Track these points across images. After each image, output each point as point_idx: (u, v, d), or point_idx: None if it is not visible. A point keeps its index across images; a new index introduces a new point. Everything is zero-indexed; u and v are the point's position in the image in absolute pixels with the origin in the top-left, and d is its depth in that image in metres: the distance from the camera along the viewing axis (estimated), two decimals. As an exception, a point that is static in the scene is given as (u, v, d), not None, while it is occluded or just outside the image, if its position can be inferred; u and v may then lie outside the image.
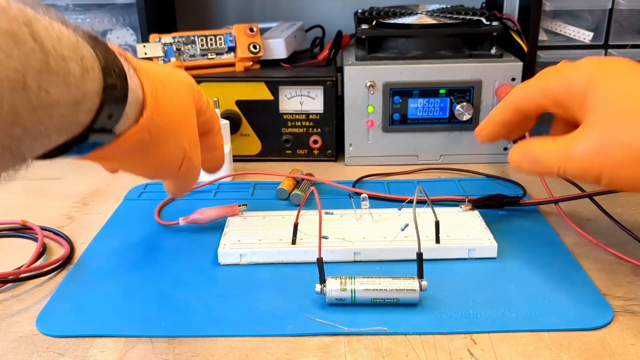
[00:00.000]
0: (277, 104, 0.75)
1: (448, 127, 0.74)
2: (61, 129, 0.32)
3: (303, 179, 0.66)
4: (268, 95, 0.74)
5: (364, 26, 0.75)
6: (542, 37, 0.75)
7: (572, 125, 0.49)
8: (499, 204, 0.60)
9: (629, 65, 0.47)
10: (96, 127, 0.35)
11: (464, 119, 0.72)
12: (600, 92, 0.46)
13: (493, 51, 0.74)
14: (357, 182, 0.69)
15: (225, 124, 0.70)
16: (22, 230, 0.59)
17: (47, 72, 0.29)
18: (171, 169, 0.46)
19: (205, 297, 0.48)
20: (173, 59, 0.74)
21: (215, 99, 0.73)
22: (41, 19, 0.30)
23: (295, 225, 0.53)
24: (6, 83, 0.27)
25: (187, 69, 0.75)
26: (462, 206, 0.59)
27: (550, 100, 0.50)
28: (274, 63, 0.80)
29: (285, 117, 0.75)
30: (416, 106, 0.73)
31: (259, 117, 0.75)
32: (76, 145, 0.35)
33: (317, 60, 0.81)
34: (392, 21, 0.76)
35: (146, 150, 0.42)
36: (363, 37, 0.74)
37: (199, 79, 0.74)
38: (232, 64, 0.77)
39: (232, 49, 0.77)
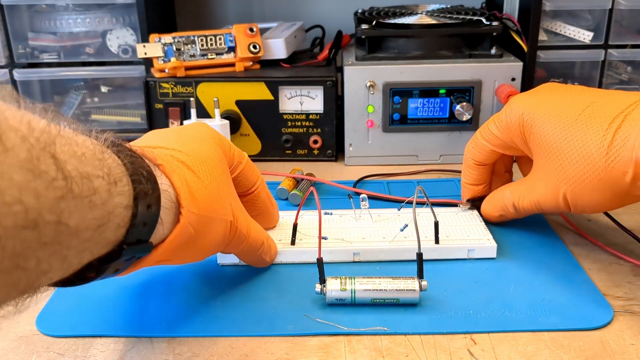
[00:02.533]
0: (277, 104, 0.75)
1: (448, 127, 0.74)
2: (84, 252, 0.29)
3: (303, 179, 0.66)
4: (268, 95, 0.74)
5: (364, 26, 0.75)
6: (542, 37, 0.75)
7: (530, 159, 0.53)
8: None
9: (552, 93, 0.51)
10: (130, 240, 0.32)
11: (464, 119, 0.72)
12: (534, 132, 0.49)
13: (493, 51, 0.74)
14: (358, 182, 0.69)
15: (225, 124, 0.70)
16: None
17: (67, 199, 0.26)
18: (221, 246, 0.44)
19: (205, 297, 0.48)
20: (173, 59, 0.74)
21: (215, 99, 0.73)
22: (64, 134, 0.27)
23: (295, 226, 0.53)
24: (12, 226, 0.24)
25: (187, 69, 0.75)
26: (461, 206, 0.59)
27: (498, 145, 0.54)
28: (274, 63, 0.80)
29: (285, 117, 0.75)
30: (416, 106, 0.73)
31: (259, 117, 0.75)
32: (109, 262, 0.32)
33: (317, 60, 0.81)
34: (392, 21, 0.76)
35: (192, 242, 0.39)
36: (363, 37, 0.74)
37: (199, 79, 0.74)
38: (232, 64, 0.77)
39: (232, 49, 0.77)
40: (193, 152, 0.41)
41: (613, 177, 0.44)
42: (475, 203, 0.58)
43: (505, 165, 0.59)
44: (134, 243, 0.33)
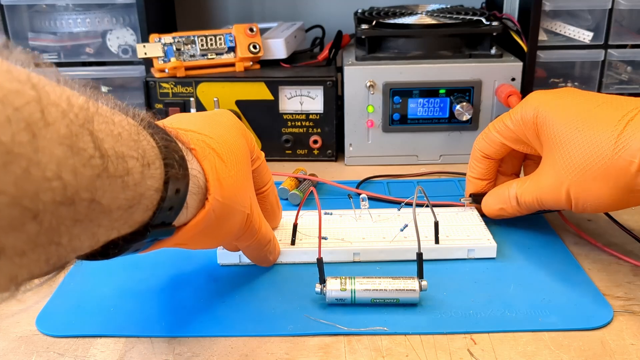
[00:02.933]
0: (277, 104, 0.75)
1: (448, 127, 0.74)
2: (111, 230, 0.29)
3: (305, 179, 0.66)
4: (268, 95, 0.74)
5: (364, 26, 0.75)
6: (542, 37, 0.75)
7: (538, 159, 0.53)
8: None
9: (569, 93, 0.51)
10: (155, 222, 0.33)
11: (464, 119, 0.72)
12: (546, 124, 0.49)
13: (493, 51, 0.74)
14: (362, 183, 0.69)
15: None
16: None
17: (102, 177, 0.26)
18: (235, 237, 0.44)
19: (205, 297, 0.48)
20: (173, 59, 0.74)
21: (215, 99, 0.73)
22: (102, 112, 0.27)
23: (295, 226, 0.53)
24: (50, 201, 0.23)
25: (187, 69, 0.75)
26: (463, 200, 0.59)
27: (509, 138, 0.54)
28: (274, 63, 0.80)
29: (285, 117, 0.75)
30: (416, 106, 0.73)
31: (259, 117, 0.75)
32: (133, 242, 0.32)
33: (317, 60, 0.81)
34: (392, 21, 0.76)
35: (210, 229, 0.39)
36: (363, 37, 0.74)
37: (199, 79, 0.74)
38: (232, 64, 0.77)
39: (232, 49, 0.77)
40: (222, 140, 0.41)
41: (619, 166, 0.44)
42: (477, 198, 0.58)
43: (514, 167, 0.59)
44: (159, 225, 0.33)
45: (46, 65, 0.27)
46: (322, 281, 0.46)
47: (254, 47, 0.77)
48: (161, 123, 0.36)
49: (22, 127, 0.22)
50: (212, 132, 0.41)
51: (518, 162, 0.59)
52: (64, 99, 0.25)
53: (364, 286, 0.45)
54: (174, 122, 0.41)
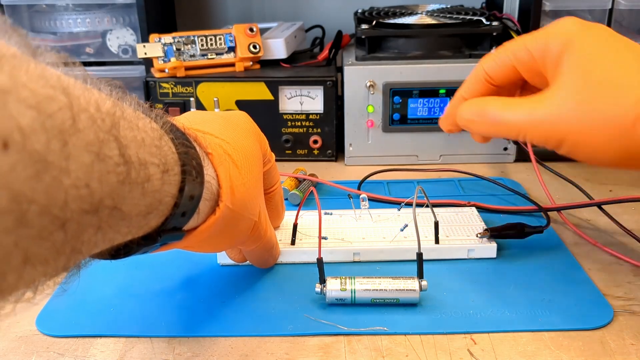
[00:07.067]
0: (277, 104, 0.75)
1: (448, 127, 0.73)
2: (127, 235, 0.29)
3: (304, 179, 0.66)
4: (268, 95, 0.74)
5: (364, 26, 0.75)
6: (542, 37, 0.75)
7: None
8: (520, 234, 0.54)
9: (610, 32, 0.42)
10: (167, 227, 0.33)
11: (464, 119, 0.72)
12: (577, 55, 0.41)
13: (493, 51, 0.74)
14: (363, 182, 0.69)
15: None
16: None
17: (125, 184, 0.26)
18: (241, 242, 0.44)
19: (205, 297, 0.48)
20: (173, 59, 0.74)
21: (215, 99, 0.73)
22: (127, 116, 0.27)
23: (295, 226, 0.53)
24: (77, 210, 0.23)
25: (187, 69, 0.75)
26: (479, 235, 0.53)
27: (525, 66, 0.44)
28: (274, 63, 0.80)
29: (285, 117, 0.75)
30: (416, 106, 0.73)
31: (259, 117, 0.75)
32: (143, 246, 0.32)
33: (317, 60, 0.81)
34: (392, 21, 0.76)
35: (218, 235, 0.39)
36: (363, 37, 0.74)
37: (199, 79, 0.74)
38: (232, 64, 0.77)
39: (232, 49, 0.77)
40: (238, 146, 0.41)
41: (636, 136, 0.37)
42: (493, 233, 0.53)
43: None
44: (170, 230, 0.33)
45: (74, 65, 0.27)
46: (322, 281, 0.46)
47: (254, 47, 0.77)
48: (181, 123, 0.36)
49: (54, 134, 0.22)
50: (229, 136, 0.41)
51: (514, 93, 0.49)
52: (92, 103, 0.24)
53: (364, 286, 0.45)
54: (195, 122, 0.41)
